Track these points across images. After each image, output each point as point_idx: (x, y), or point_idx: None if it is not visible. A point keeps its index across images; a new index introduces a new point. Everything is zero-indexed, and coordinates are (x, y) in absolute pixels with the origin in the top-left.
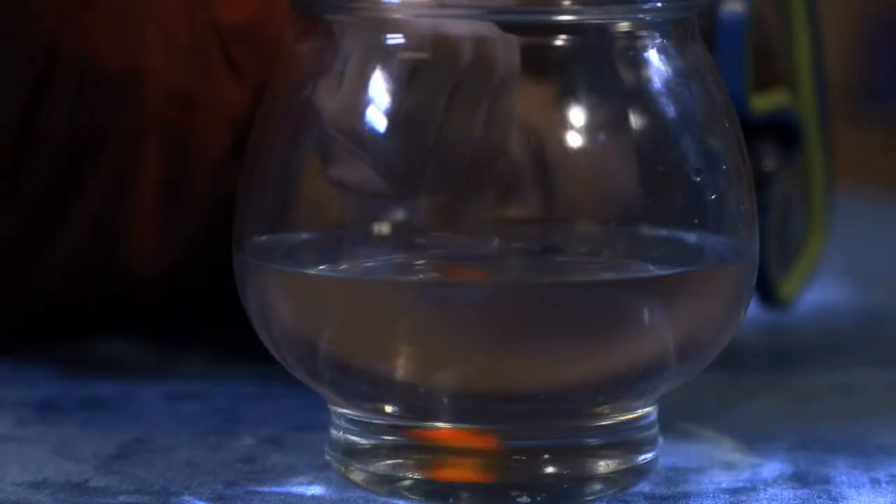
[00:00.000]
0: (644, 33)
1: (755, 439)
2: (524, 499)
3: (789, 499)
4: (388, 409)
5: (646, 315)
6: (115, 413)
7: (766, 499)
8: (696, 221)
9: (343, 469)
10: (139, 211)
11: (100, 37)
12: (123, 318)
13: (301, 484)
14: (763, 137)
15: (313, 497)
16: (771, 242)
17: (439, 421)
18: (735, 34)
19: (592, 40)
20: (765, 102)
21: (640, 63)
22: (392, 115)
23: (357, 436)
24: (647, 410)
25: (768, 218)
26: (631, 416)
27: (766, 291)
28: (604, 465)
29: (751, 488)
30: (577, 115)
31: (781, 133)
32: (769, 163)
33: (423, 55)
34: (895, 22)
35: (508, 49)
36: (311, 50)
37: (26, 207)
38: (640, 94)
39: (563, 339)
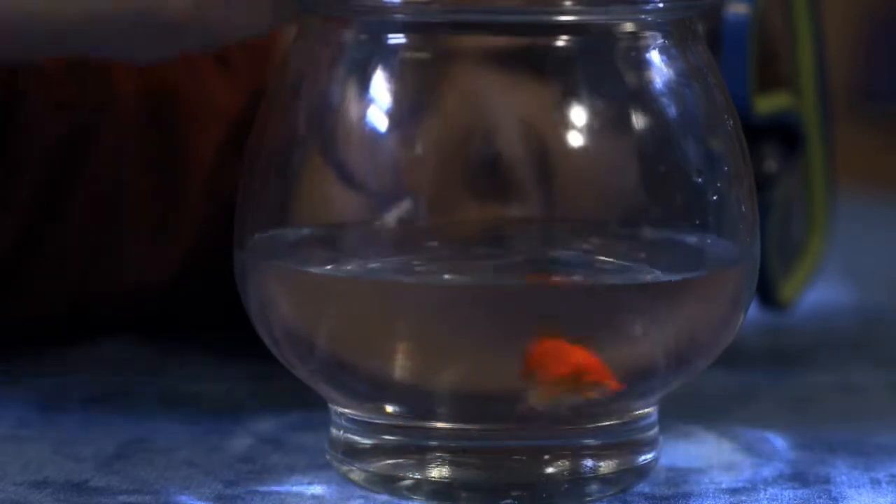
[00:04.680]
0: (645, 34)
1: (755, 439)
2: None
3: (789, 499)
4: (389, 408)
5: (645, 318)
6: (115, 413)
7: (767, 499)
8: (696, 223)
9: (343, 469)
10: (132, 221)
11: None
12: (123, 323)
13: (301, 483)
14: (765, 139)
15: (313, 497)
16: (772, 244)
17: (439, 421)
18: (739, 36)
19: (593, 41)
20: (768, 104)
21: (641, 64)
22: (394, 114)
23: (357, 435)
24: (648, 411)
25: (769, 219)
26: (631, 416)
27: (767, 293)
28: (604, 466)
29: (751, 488)
30: (578, 115)
31: (784, 135)
32: (771, 164)
33: (423, 55)
34: (895, 22)
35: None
36: (310, 49)
37: (13, 219)
38: (642, 95)
39: (563, 341)
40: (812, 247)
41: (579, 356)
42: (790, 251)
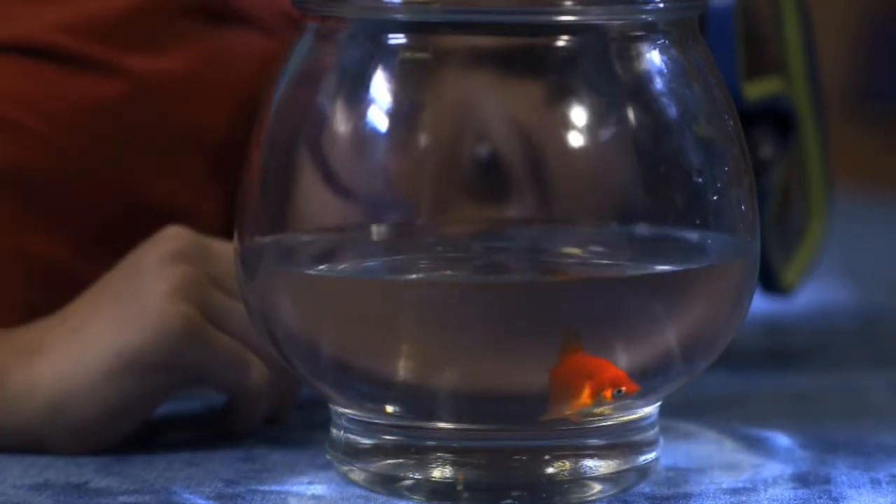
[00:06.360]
0: (645, 34)
1: (755, 439)
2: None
3: (790, 499)
4: (389, 408)
5: (647, 314)
6: None
7: (767, 499)
8: (697, 222)
9: (343, 469)
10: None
11: None
12: None
13: (301, 483)
14: (758, 125)
15: (313, 496)
16: (770, 231)
17: (440, 421)
18: (724, 23)
19: (593, 41)
20: (757, 90)
21: (641, 64)
22: (392, 116)
23: (358, 435)
24: (648, 411)
25: (766, 206)
26: (632, 416)
27: (769, 280)
28: (604, 466)
29: (751, 489)
30: (578, 116)
31: (776, 120)
32: (765, 150)
33: (421, 55)
34: (895, 22)
35: None
36: (310, 50)
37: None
38: (641, 95)
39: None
40: (812, 231)
41: (602, 369)
42: (790, 237)
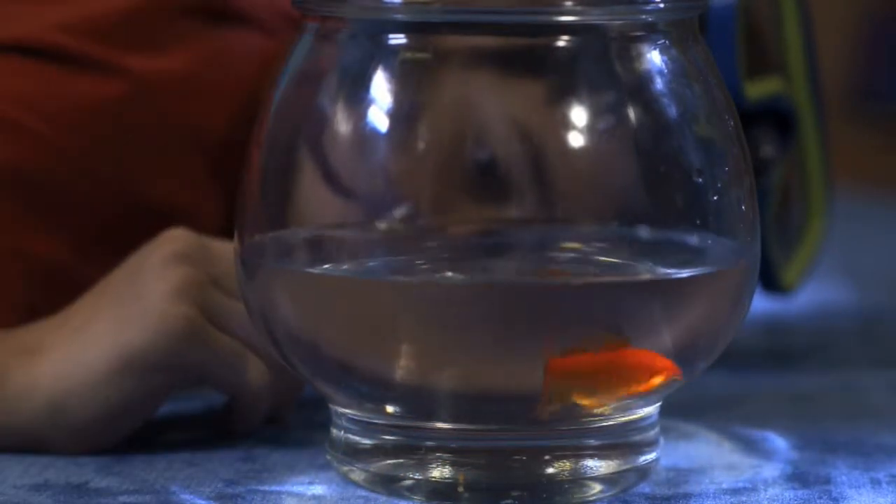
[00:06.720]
0: (645, 34)
1: (755, 439)
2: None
3: (790, 499)
4: (389, 408)
5: (647, 315)
6: None
7: (767, 499)
8: (697, 223)
9: (343, 469)
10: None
11: None
12: None
13: (301, 483)
14: (758, 125)
15: (314, 496)
16: (770, 230)
17: (439, 421)
18: (724, 23)
19: (593, 41)
20: (758, 90)
21: (641, 64)
22: (393, 116)
23: (358, 435)
24: (648, 411)
25: (766, 206)
26: (632, 416)
27: (769, 279)
28: (604, 466)
29: (751, 489)
30: (578, 116)
31: (776, 120)
32: (766, 150)
33: (422, 55)
34: (895, 22)
35: None
36: (310, 50)
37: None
38: (642, 95)
39: (564, 340)
40: (812, 231)
41: (647, 358)
42: (790, 237)
